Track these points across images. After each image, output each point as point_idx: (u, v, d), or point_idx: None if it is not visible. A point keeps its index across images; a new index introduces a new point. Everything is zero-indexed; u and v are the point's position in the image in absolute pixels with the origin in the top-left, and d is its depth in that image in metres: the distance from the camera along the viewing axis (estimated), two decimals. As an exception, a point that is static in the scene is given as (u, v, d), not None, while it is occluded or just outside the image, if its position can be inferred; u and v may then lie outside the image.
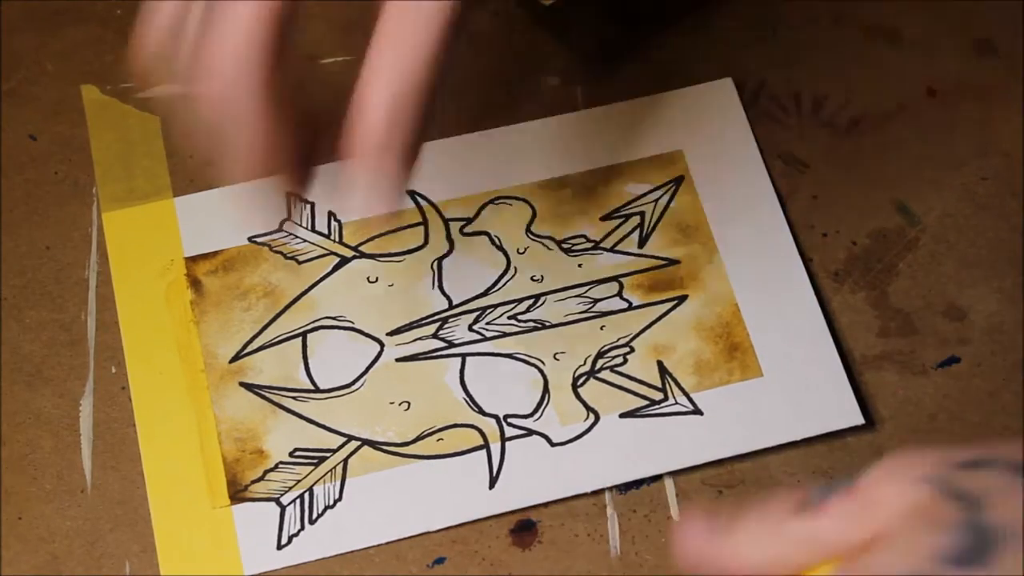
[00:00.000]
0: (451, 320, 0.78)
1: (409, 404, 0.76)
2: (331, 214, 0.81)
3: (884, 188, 0.82)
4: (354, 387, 0.77)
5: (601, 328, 0.78)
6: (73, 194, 0.81)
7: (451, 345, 0.78)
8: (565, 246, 0.80)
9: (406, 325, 0.78)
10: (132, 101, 0.84)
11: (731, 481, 0.75)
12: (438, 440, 0.75)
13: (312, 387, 0.77)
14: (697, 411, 0.76)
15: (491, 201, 0.81)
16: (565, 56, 0.86)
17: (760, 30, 0.87)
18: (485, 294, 0.79)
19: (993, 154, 0.83)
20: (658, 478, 0.75)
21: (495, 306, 0.79)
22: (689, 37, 0.87)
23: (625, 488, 0.75)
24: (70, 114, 0.84)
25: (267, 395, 0.77)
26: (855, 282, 0.80)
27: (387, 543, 0.73)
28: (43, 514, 0.74)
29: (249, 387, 0.77)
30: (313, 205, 0.81)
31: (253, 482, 0.74)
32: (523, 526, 0.74)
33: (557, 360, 0.77)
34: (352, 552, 0.73)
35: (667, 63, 0.86)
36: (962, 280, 0.80)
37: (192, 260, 0.80)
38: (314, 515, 0.74)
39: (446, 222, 0.81)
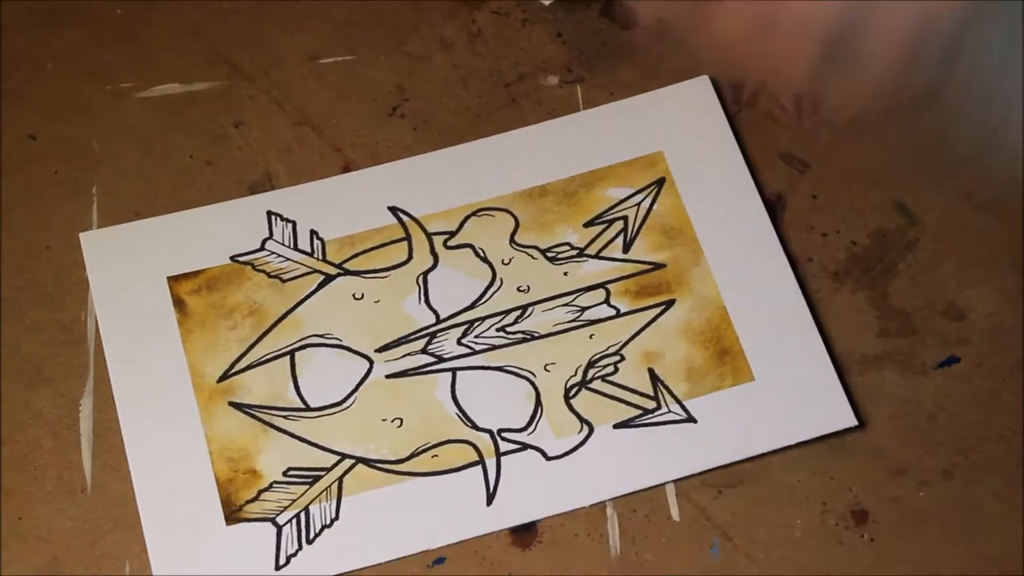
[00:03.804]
0: (439, 334, 0.78)
1: (401, 421, 0.76)
2: (313, 232, 0.80)
3: (884, 188, 0.82)
4: (345, 405, 0.77)
5: (590, 337, 0.78)
6: (73, 194, 0.81)
7: (441, 360, 0.77)
8: (550, 255, 0.80)
9: (394, 341, 0.78)
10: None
11: (731, 481, 0.75)
12: (433, 456, 0.75)
13: (303, 405, 0.76)
14: (691, 419, 0.76)
15: (473, 213, 0.81)
16: (565, 56, 0.86)
17: (760, 30, 0.87)
18: (472, 307, 0.79)
19: (993, 154, 0.83)
20: (658, 478, 0.75)
21: (483, 319, 0.78)
22: (689, 37, 0.86)
23: (625, 488, 0.75)
24: (70, 114, 0.84)
25: (257, 414, 0.76)
26: (855, 282, 0.80)
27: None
28: (43, 514, 0.74)
29: (239, 407, 0.76)
30: (295, 224, 0.81)
31: (248, 502, 0.74)
32: (523, 527, 0.74)
33: (548, 371, 0.77)
34: (352, 572, 0.73)
35: (667, 63, 0.86)
36: (962, 280, 0.80)
37: (175, 279, 0.79)
38: (311, 535, 0.73)
39: (429, 236, 0.81)
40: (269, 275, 0.79)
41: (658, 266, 0.80)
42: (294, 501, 0.74)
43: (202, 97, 0.84)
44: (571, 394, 0.77)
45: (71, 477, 0.75)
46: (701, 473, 0.75)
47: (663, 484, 0.75)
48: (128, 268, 0.79)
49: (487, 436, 0.75)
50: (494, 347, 0.78)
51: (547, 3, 0.86)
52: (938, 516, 0.74)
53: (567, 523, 0.74)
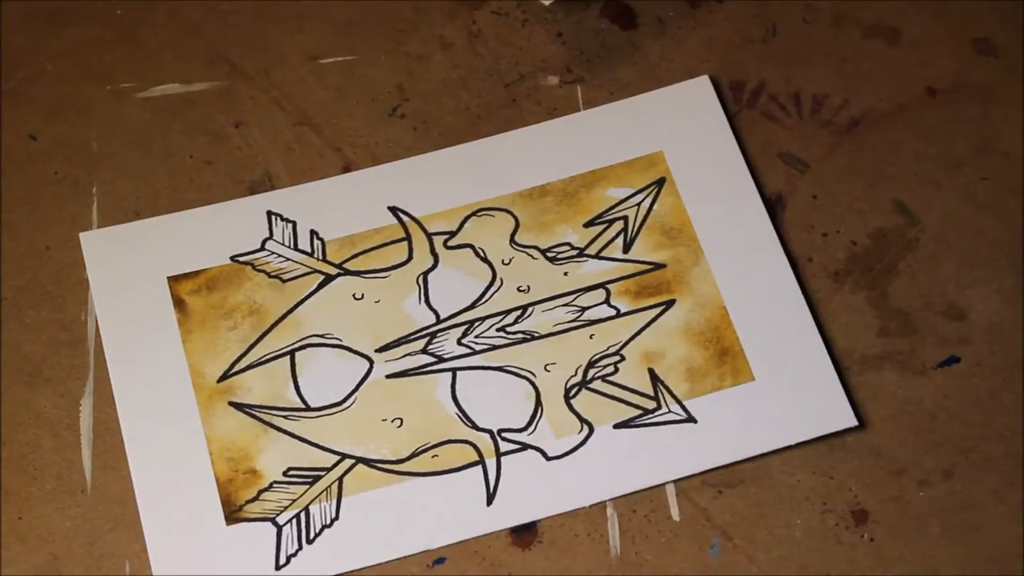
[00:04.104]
0: (439, 335, 0.78)
1: (402, 421, 0.76)
2: (313, 232, 0.80)
3: (884, 188, 0.82)
4: (345, 405, 0.76)
5: (591, 337, 0.78)
6: (73, 194, 0.81)
7: (441, 360, 0.77)
8: (550, 255, 0.80)
9: (395, 341, 0.78)
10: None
11: (731, 481, 0.75)
12: (433, 457, 0.75)
13: (303, 405, 0.76)
14: (691, 419, 0.76)
15: (474, 213, 0.81)
16: (565, 56, 0.86)
17: (760, 30, 0.87)
18: (472, 307, 0.79)
19: (993, 154, 0.83)
20: (658, 478, 0.75)
21: (483, 319, 0.78)
22: (689, 37, 0.87)
23: (625, 488, 0.75)
24: (70, 114, 0.84)
25: (257, 414, 0.76)
26: (855, 282, 0.80)
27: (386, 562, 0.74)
28: (43, 514, 0.74)
29: (239, 406, 0.76)
30: (295, 224, 0.81)
31: (248, 502, 0.74)
32: (523, 526, 0.74)
33: (548, 371, 0.77)
34: (352, 572, 0.73)
35: (667, 63, 0.86)
36: (962, 280, 0.80)
37: (175, 279, 0.79)
38: (311, 535, 0.73)
39: (429, 236, 0.81)
40: (269, 275, 0.79)
41: (658, 266, 0.80)
42: (294, 501, 0.74)
43: (202, 97, 0.84)
44: (571, 394, 0.77)
45: (71, 477, 0.75)
46: (701, 473, 0.75)
47: (663, 484, 0.75)
48: (128, 268, 0.79)
49: (487, 436, 0.75)
50: (494, 347, 0.78)
51: (547, 3, 0.86)
52: (938, 516, 0.74)
53: (567, 523, 0.74)
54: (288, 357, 0.77)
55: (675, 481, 0.75)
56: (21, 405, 0.76)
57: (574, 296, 0.79)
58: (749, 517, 0.74)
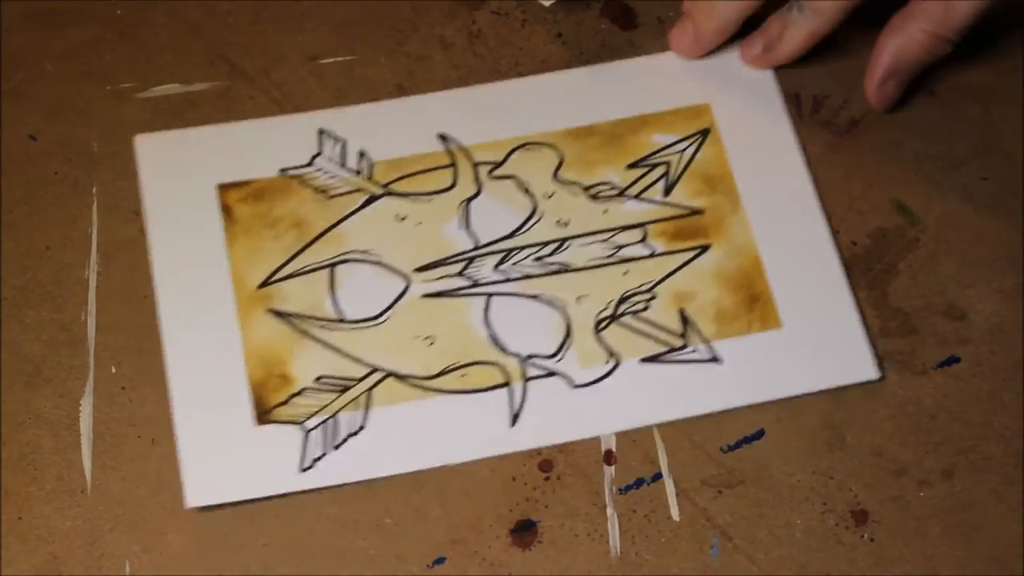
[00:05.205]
0: (477, 260, 0.79)
1: (433, 339, 0.77)
2: (362, 152, 0.81)
3: (884, 188, 0.83)
4: (380, 320, 0.77)
5: (624, 274, 0.79)
6: (73, 194, 0.81)
7: (476, 284, 0.78)
8: (591, 192, 0.81)
9: (433, 263, 0.79)
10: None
11: (731, 481, 0.75)
12: (461, 376, 0.76)
13: (338, 317, 0.77)
14: (716, 359, 0.77)
15: (520, 146, 0.82)
16: (565, 56, 0.86)
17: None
18: (511, 236, 0.80)
19: (993, 154, 0.83)
20: (658, 478, 0.75)
21: (521, 248, 0.79)
22: (689, 37, 0.86)
23: (625, 488, 0.75)
24: (70, 114, 0.84)
25: (294, 322, 0.77)
26: (855, 282, 0.80)
27: (388, 537, 0.73)
28: (43, 514, 0.74)
29: (277, 313, 0.77)
30: (345, 143, 0.81)
31: (278, 405, 0.75)
32: (523, 526, 0.74)
33: (580, 303, 0.78)
34: (373, 480, 0.73)
35: (667, 63, 0.86)
36: (962, 280, 0.80)
37: (223, 188, 0.80)
38: (337, 441, 0.74)
39: (475, 165, 0.81)
40: (316, 190, 0.80)
41: (696, 212, 0.80)
42: (323, 408, 0.75)
43: (202, 97, 0.84)
44: (601, 327, 0.77)
45: (71, 477, 0.75)
46: (703, 467, 0.75)
47: (665, 476, 0.75)
48: (180, 173, 0.81)
49: (515, 360, 0.76)
50: (529, 276, 0.78)
51: (547, 3, 0.86)
52: (938, 516, 0.74)
53: (567, 523, 0.74)
54: (328, 270, 0.78)
55: (675, 477, 0.75)
56: (21, 405, 0.76)
57: (612, 233, 0.80)
58: (749, 517, 0.74)
